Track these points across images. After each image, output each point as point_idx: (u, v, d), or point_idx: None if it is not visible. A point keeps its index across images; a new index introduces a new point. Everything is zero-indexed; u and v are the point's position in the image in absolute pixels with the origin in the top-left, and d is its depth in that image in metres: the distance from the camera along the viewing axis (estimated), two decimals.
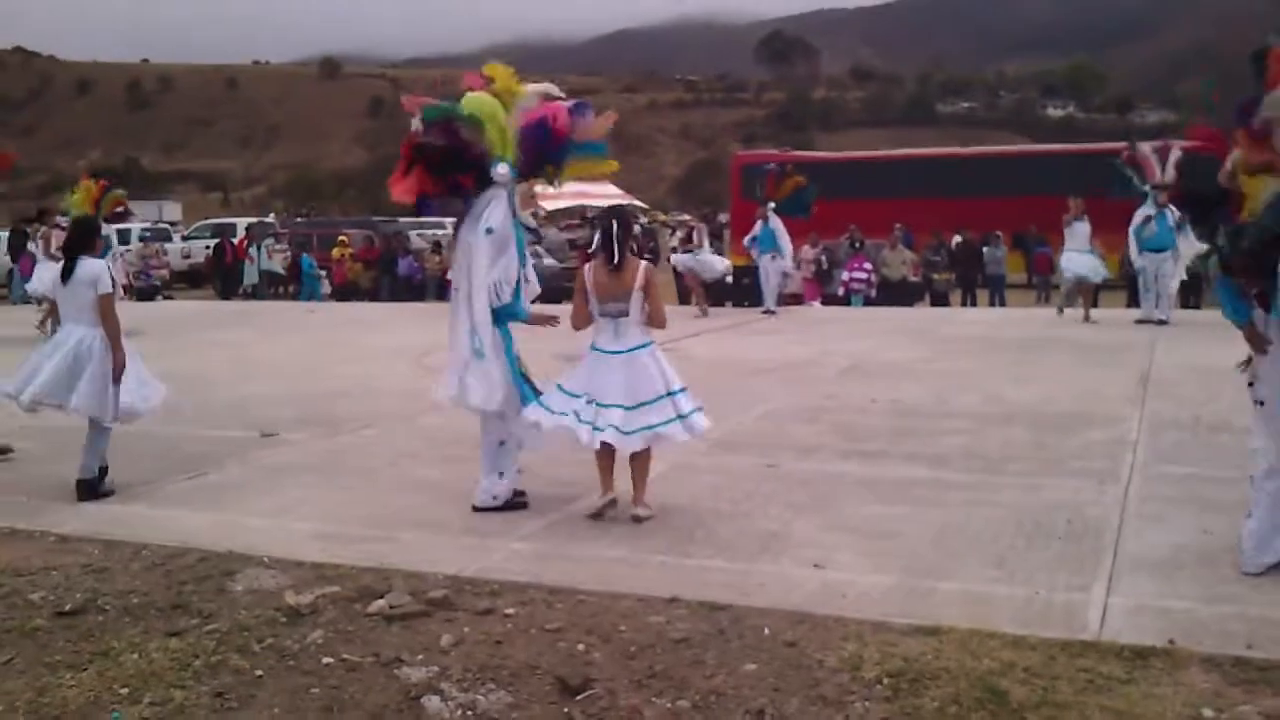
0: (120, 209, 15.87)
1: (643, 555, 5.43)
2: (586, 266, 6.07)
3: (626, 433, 5.86)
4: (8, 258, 25.85)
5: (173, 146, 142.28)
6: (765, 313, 17.58)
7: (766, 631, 4.38)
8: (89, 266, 6.76)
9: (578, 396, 5.95)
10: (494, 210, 6.07)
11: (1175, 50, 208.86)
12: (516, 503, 6.30)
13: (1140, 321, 15.01)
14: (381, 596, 4.81)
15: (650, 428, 5.89)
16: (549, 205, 31.11)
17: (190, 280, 32.61)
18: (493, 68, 6.30)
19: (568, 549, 5.57)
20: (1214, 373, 10.40)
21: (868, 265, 21.44)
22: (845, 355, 12.39)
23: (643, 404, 5.90)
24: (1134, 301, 16.54)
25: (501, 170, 6.07)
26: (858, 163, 34.30)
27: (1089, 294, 16.06)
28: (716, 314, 18.12)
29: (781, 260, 17.87)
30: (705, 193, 72.67)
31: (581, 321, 6.13)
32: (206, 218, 45.95)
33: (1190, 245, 15.17)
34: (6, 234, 28.34)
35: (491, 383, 6.03)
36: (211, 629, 4.56)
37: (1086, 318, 15.57)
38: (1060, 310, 16.32)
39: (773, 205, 17.47)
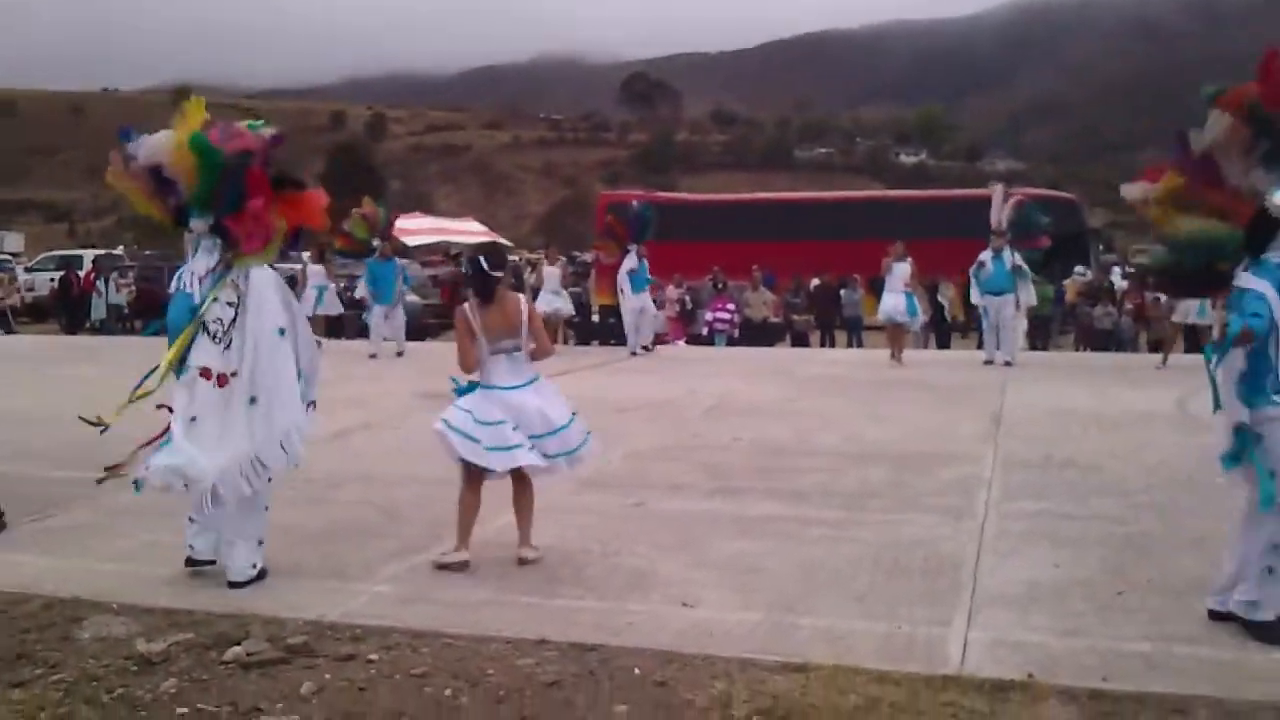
0: None
1: (510, 596, 5.36)
2: (466, 307, 5.92)
3: (550, 456, 5.88)
4: None
5: (15, 175, 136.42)
6: (643, 350, 17.62)
7: (637, 672, 4.37)
8: None
9: (499, 423, 5.79)
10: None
11: (1019, 102, 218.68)
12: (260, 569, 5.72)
13: (987, 362, 15.54)
14: (238, 643, 4.64)
15: (569, 452, 5.92)
16: (412, 242, 30.81)
17: (34, 313, 31.26)
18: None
19: (432, 591, 5.47)
20: (1062, 413, 10.84)
21: (731, 306, 21.79)
22: (709, 394, 12.51)
23: (558, 430, 5.89)
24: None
25: None
26: (721, 205, 34.94)
27: (901, 336, 16.43)
28: (582, 352, 18.13)
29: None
30: (569, 231, 72.91)
31: (471, 363, 5.93)
32: (51, 249, 44.11)
33: (1028, 292, 15.84)
34: None
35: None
36: (57, 679, 4.34)
37: (899, 358, 15.90)
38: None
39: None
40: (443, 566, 5.80)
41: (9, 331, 25.43)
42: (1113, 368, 15.66)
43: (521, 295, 6.06)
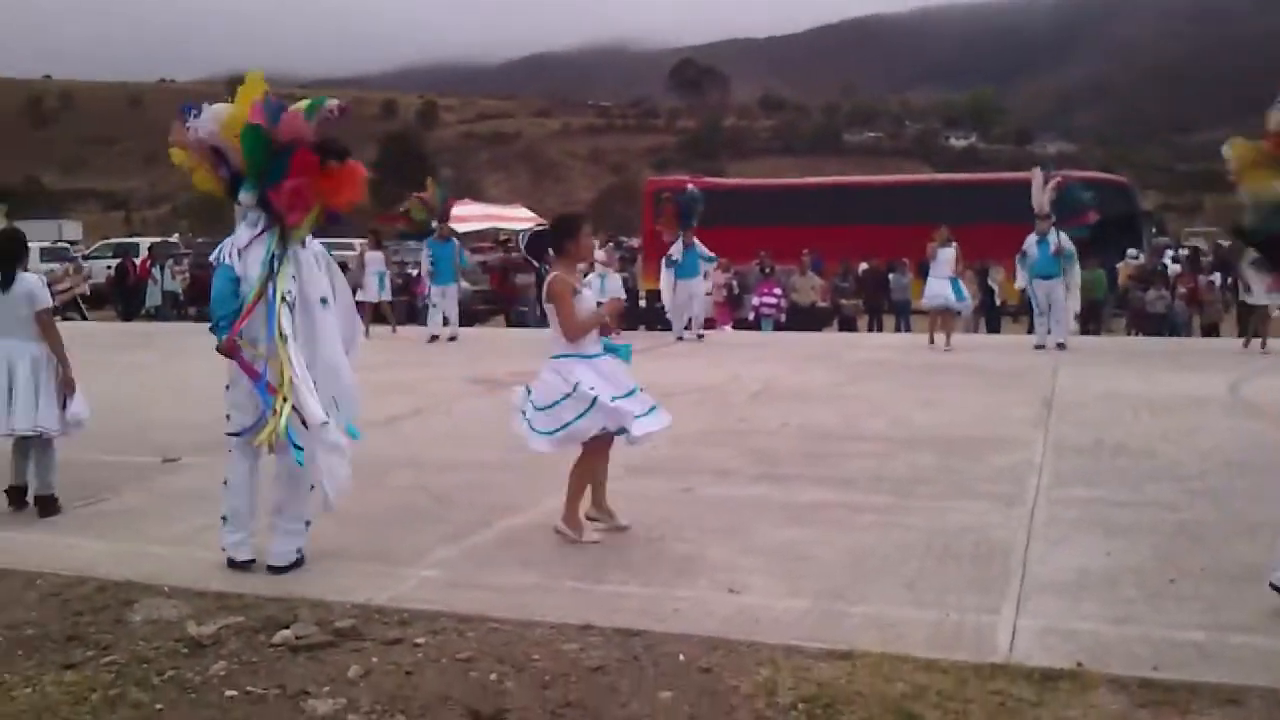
0: None
1: (556, 581, 5.37)
2: None
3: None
4: None
5: (74, 165, 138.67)
6: (695, 337, 17.58)
7: (681, 658, 4.35)
8: (25, 281, 6.69)
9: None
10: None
11: (1069, 84, 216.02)
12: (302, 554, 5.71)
13: (1038, 347, 15.35)
14: (287, 627, 4.69)
15: (543, 433, 5.91)
16: (462, 228, 30.95)
17: (91, 300, 31.76)
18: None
19: (480, 576, 5.49)
20: (1114, 397, 10.68)
21: (778, 290, 21.68)
22: (756, 379, 12.46)
23: (538, 408, 5.93)
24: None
25: None
26: (769, 190, 34.76)
27: (950, 321, 16.25)
28: (629, 337, 18.11)
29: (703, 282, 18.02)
30: (617, 218, 72.90)
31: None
32: (108, 237, 44.78)
33: (1075, 272, 15.64)
34: None
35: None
36: (109, 661, 4.40)
37: (946, 344, 15.67)
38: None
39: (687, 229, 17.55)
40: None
41: (81, 319, 25.82)
42: (1165, 352, 15.43)
43: (554, 273, 6.02)
